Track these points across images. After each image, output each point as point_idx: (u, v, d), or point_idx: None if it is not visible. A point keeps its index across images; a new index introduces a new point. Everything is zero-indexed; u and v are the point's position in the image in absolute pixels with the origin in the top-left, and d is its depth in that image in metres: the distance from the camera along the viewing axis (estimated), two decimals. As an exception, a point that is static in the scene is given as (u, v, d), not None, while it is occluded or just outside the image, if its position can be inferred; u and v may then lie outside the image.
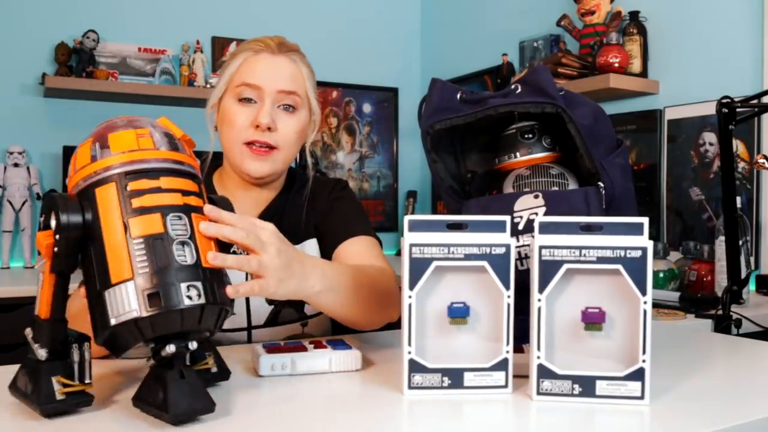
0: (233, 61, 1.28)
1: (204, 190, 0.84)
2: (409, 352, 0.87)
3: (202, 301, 0.74)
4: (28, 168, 2.76)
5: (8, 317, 2.24)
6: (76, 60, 2.82)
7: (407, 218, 0.88)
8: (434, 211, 3.51)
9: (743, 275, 1.69)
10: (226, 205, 0.86)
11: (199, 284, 0.75)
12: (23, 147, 2.76)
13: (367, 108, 3.56)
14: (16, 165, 2.73)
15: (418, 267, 0.87)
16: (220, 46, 3.16)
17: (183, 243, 0.76)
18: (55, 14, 2.89)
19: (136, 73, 2.98)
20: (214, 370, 0.90)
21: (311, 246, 1.35)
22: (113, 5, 3.00)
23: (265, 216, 1.31)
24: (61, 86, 2.72)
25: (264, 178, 1.27)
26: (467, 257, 0.87)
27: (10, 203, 2.73)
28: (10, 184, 2.73)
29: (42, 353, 0.77)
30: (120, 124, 0.81)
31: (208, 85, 3.00)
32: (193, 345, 0.76)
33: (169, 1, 3.11)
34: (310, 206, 1.36)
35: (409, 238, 0.87)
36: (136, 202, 0.75)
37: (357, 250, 1.27)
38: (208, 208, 0.81)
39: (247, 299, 1.28)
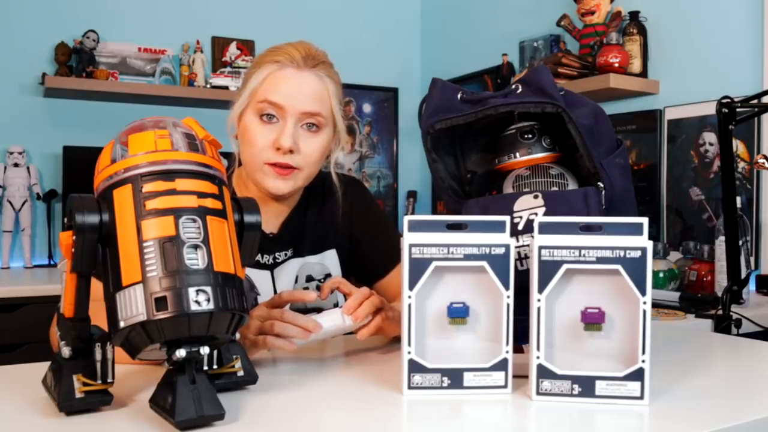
0: (257, 73, 1.22)
1: (226, 192, 0.82)
2: (409, 352, 0.88)
3: (211, 306, 0.72)
4: (28, 168, 2.76)
5: (8, 317, 2.24)
6: (76, 60, 2.82)
7: (407, 218, 0.88)
8: (434, 211, 3.51)
9: (743, 275, 1.69)
10: (252, 206, 0.86)
11: (208, 289, 0.73)
12: (23, 147, 2.76)
13: (367, 108, 3.56)
14: (16, 165, 2.74)
15: (418, 267, 0.87)
16: (220, 46, 3.16)
17: (195, 246, 0.74)
18: (55, 14, 2.89)
19: (136, 73, 2.97)
20: (241, 373, 0.90)
21: (331, 256, 1.36)
22: (113, 5, 2.99)
23: (285, 230, 1.32)
24: (61, 86, 2.72)
25: (285, 195, 1.26)
26: (467, 257, 0.87)
27: (10, 203, 2.73)
28: (10, 184, 2.73)
29: (66, 351, 0.79)
30: (147, 125, 0.80)
31: (208, 85, 3.00)
32: (204, 350, 0.75)
33: (169, 1, 3.10)
34: (331, 219, 1.37)
35: (408, 238, 0.87)
36: (150, 204, 0.75)
37: (397, 282, 1.34)
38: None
39: None
